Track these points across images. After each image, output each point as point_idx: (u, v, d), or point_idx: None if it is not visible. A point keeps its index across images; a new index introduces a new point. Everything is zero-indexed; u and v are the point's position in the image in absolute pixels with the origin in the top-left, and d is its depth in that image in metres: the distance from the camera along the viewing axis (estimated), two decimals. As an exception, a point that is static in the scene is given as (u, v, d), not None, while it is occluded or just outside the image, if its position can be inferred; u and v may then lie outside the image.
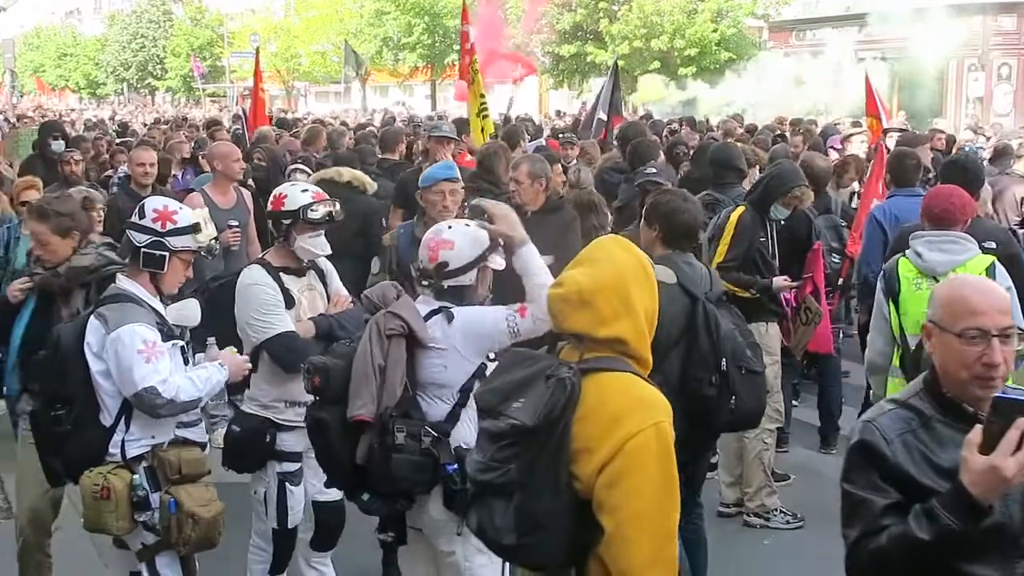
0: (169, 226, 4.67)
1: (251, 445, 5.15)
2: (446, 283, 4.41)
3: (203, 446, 4.87)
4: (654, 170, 5.82)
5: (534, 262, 4.32)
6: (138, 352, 4.45)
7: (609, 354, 3.18)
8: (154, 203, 4.81)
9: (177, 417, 4.70)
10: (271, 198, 5.25)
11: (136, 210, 4.77)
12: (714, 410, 5.03)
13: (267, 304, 5.07)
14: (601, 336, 3.17)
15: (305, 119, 24.85)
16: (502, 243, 4.37)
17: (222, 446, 5.30)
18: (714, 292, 5.24)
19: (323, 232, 5.21)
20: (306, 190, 5.27)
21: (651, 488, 3.05)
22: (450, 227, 4.54)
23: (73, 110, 47.26)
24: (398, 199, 8.28)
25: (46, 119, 20.63)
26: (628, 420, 3.07)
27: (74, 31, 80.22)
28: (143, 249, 4.65)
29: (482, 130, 10.81)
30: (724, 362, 4.98)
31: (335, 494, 5.18)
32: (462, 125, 11.71)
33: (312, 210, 5.12)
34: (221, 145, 8.95)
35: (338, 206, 5.23)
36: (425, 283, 4.46)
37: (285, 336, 5.04)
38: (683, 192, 5.75)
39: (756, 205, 6.83)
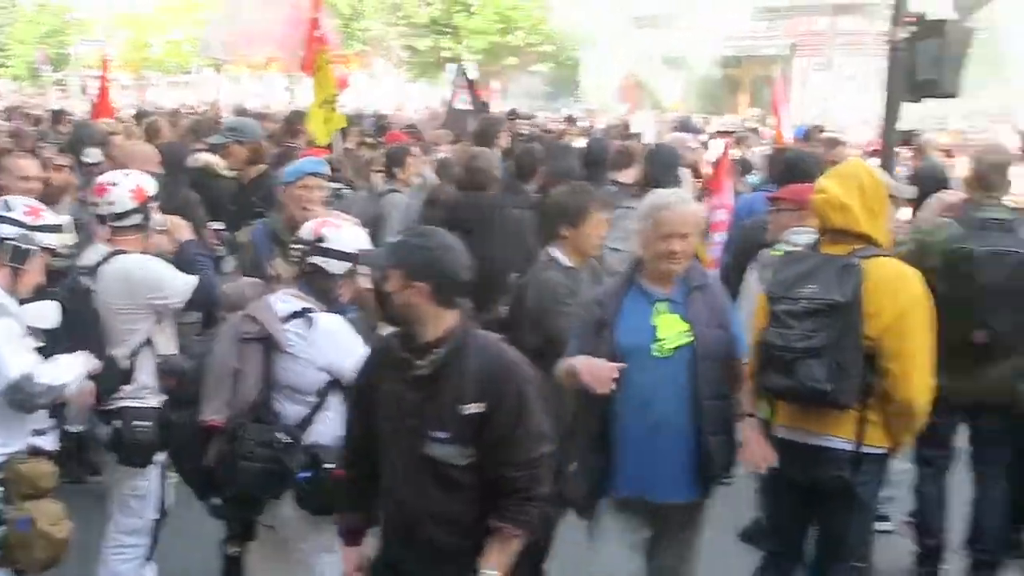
0: (39, 221, 4.54)
1: (157, 440, 4.93)
2: (313, 258, 4.40)
3: (51, 455, 4.65)
4: None
5: None
6: (6, 342, 4.27)
7: (864, 245, 4.33)
8: (19, 198, 4.69)
9: (35, 421, 4.52)
10: (131, 190, 5.04)
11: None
12: None
13: (167, 271, 4.96)
14: (858, 231, 4.33)
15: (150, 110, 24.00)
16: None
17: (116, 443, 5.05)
18: None
19: None
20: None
21: (925, 337, 4.33)
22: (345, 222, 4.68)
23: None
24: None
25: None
26: (905, 289, 4.32)
27: (-91, 15, 76.74)
28: (10, 242, 4.44)
29: (326, 122, 10.36)
30: None
31: None
32: (299, 117, 11.24)
33: None
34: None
35: None
36: (295, 249, 4.51)
37: (201, 283, 4.94)
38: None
39: None
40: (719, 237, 6.96)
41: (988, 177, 5.77)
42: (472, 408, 3.52)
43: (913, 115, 19.20)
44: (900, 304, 4.30)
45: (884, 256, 4.43)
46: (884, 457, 4.54)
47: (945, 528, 5.95)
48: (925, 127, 17.29)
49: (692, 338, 4.32)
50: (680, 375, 4.31)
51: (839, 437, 4.40)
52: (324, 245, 4.43)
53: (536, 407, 3.61)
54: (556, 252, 5.22)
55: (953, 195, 6.34)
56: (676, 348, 4.32)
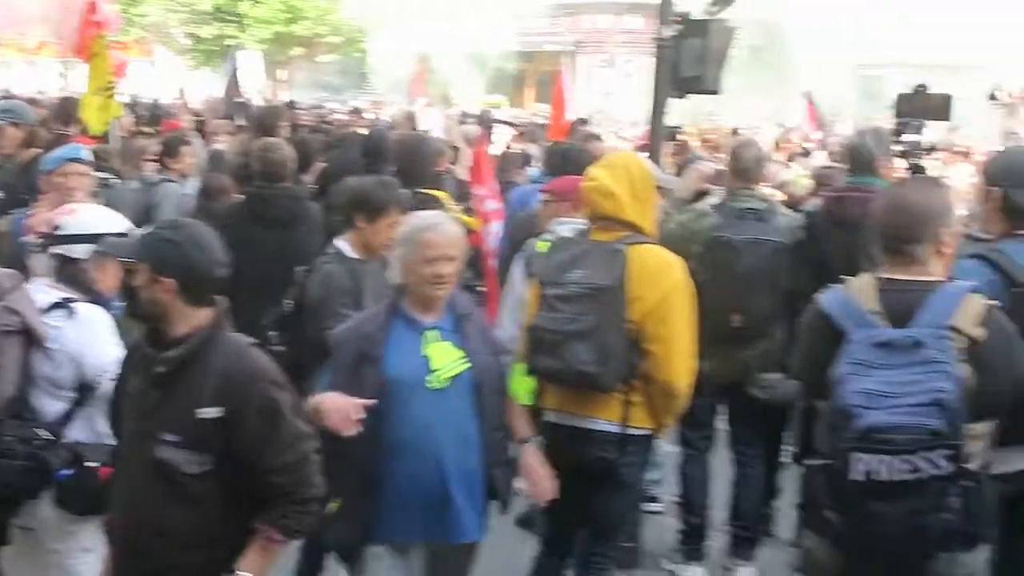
0: None
1: None
2: (54, 248, 4.27)
3: None
4: None
5: None
6: None
7: (631, 233, 4.50)
8: None
9: None
10: None
11: None
12: None
13: None
14: (624, 219, 4.50)
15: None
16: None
17: None
18: None
19: None
20: None
21: (686, 322, 4.52)
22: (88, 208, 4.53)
23: None
24: None
25: None
26: (666, 276, 4.49)
27: None
28: None
29: (102, 109, 10.00)
30: None
31: None
32: (73, 103, 10.81)
33: None
34: None
35: None
36: (35, 244, 4.39)
37: None
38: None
39: None
40: (496, 227, 7.07)
41: (747, 170, 6.06)
42: (209, 412, 3.32)
43: (689, 111, 20.09)
44: (662, 289, 4.48)
45: (649, 243, 4.61)
46: (648, 438, 4.71)
47: (708, 506, 6.22)
48: (701, 123, 18.07)
49: (469, 365, 4.15)
50: (459, 406, 4.13)
51: (604, 419, 4.55)
52: (60, 232, 4.30)
53: (288, 409, 3.44)
54: (342, 244, 5.16)
55: (708, 166, 6.67)
56: (452, 378, 4.12)
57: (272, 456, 3.39)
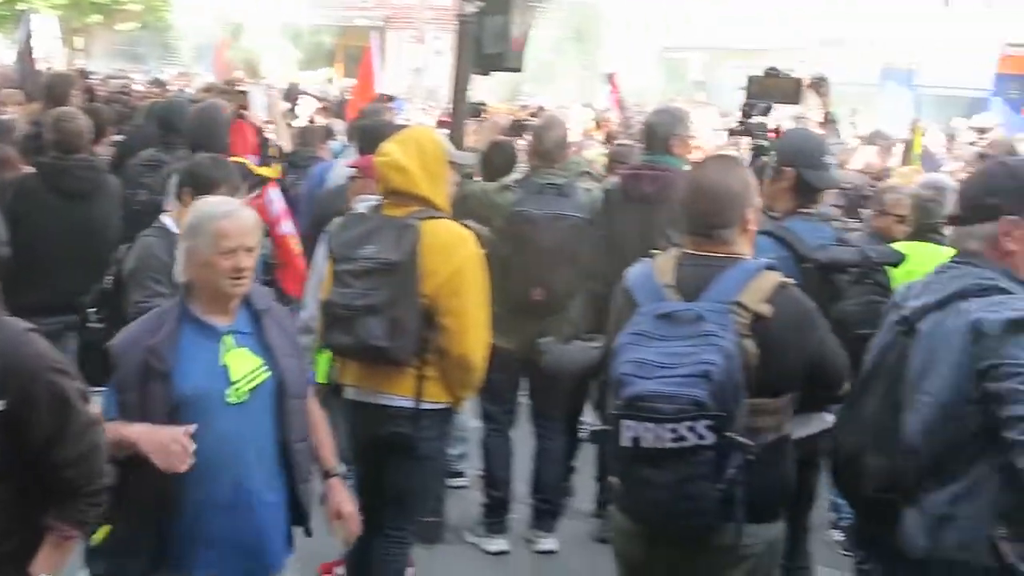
0: None
1: None
2: None
3: None
4: None
5: None
6: None
7: (423, 208, 4.54)
8: None
9: None
10: None
11: None
12: None
13: None
14: (417, 194, 4.55)
15: None
16: None
17: None
18: None
19: None
20: None
21: (478, 294, 4.59)
22: None
23: None
24: None
25: None
26: (459, 249, 4.55)
27: None
28: None
29: None
30: None
31: None
32: None
33: None
34: None
35: None
36: None
37: None
38: None
39: None
40: (274, 194, 6.90)
41: (548, 151, 6.14)
42: None
43: (505, 90, 20.04)
44: (455, 263, 4.52)
45: (442, 218, 4.63)
46: (445, 412, 4.73)
47: (511, 480, 6.27)
48: (509, 103, 18.20)
49: (270, 373, 3.64)
50: (262, 420, 3.63)
51: (399, 395, 4.57)
52: None
53: (77, 397, 3.16)
54: (168, 219, 4.85)
55: (503, 118, 6.72)
56: (254, 389, 3.60)
57: (65, 449, 3.12)
